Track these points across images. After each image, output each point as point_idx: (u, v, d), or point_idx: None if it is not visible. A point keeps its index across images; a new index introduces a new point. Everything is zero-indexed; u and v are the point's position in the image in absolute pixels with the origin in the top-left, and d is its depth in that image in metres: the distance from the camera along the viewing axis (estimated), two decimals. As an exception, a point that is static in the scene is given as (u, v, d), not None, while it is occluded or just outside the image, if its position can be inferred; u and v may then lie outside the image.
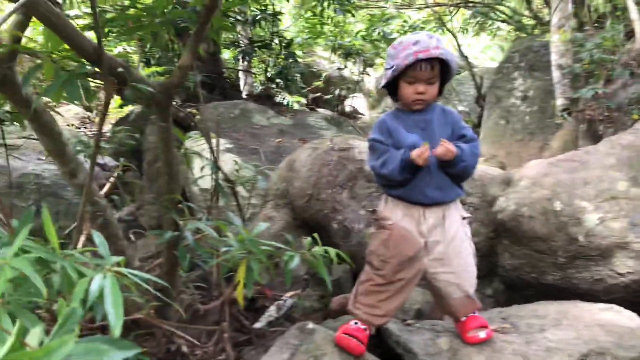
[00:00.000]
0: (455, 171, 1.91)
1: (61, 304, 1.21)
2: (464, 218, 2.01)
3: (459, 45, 6.88)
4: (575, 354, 1.82)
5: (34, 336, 0.78)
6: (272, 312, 2.72)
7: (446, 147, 1.83)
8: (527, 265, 2.51)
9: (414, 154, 1.82)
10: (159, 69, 3.98)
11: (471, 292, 1.99)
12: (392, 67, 1.91)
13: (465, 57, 6.94)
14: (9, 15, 1.07)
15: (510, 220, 2.53)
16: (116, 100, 4.73)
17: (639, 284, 2.24)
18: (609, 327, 1.96)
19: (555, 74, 4.58)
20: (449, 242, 1.93)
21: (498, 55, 9.90)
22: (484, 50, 11.35)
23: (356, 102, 6.82)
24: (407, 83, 1.92)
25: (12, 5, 1.35)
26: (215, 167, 2.53)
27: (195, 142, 3.31)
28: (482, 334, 1.94)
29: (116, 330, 1.14)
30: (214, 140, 2.70)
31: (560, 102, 4.52)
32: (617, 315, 2.06)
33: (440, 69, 1.92)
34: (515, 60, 5.67)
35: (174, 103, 4.61)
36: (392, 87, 2.00)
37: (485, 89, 6.51)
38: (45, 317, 1.68)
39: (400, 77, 1.92)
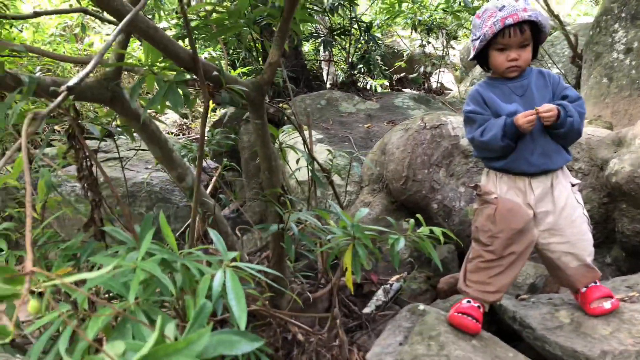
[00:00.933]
0: (562, 131, 1.80)
1: (189, 301, 1.30)
2: (573, 185, 1.90)
3: (547, 4, 6.45)
4: None
5: (170, 331, 0.84)
6: (379, 296, 2.73)
7: (547, 107, 1.75)
8: (651, 229, 2.32)
9: (520, 117, 1.75)
10: (244, 69, 4.11)
11: (589, 260, 1.88)
12: (479, 37, 1.85)
13: (555, 16, 6.48)
14: (117, 35, 1.15)
15: (626, 183, 2.35)
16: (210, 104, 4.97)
17: None
18: None
19: (663, 19, 4.15)
20: (560, 211, 1.85)
21: (592, 9, 9.16)
22: (575, 6, 10.56)
23: (443, 77, 6.63)
24: (497, 51, 1.85)
25: (115, 27, 1.46)
26: (310, 158, 2.58)
27: (288, 136, 3.40)
28: (607, 305, 1.83)
29: (241, 322, 1.19)
30: (306, 132, 2.76)
31: (671, 49, 4.09)
32: None
33: (531, 31, 1.82)
34: (615, 10, 5.21)
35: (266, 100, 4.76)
36: (482, 57, 1.94)
37: (581, 47, 6.05)
38: (171, 314, 1.82)
39: (490, 46, 1.86)
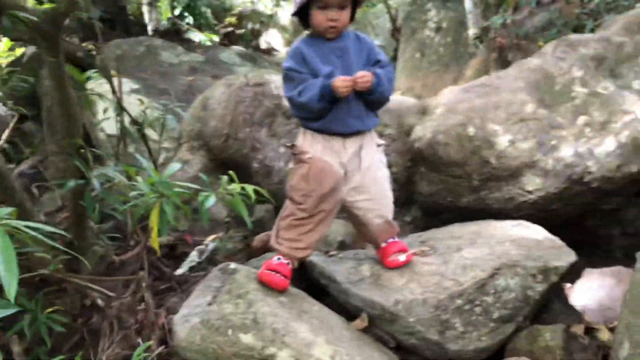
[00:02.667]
0: (373, 97, 1.90)
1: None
2: (378, 146, 2.01)
3: (373, -24, 6.75)
4: (488, 268, 1.90)
5: None
6: (193, 257, 2.65)
7: (363, 73, 1.81)
8: (444, 190, 2.58)
9: (338, 82, 1.78)
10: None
11: (390, 217, 2.02)
12: None
13: (379, -11, 6.83)
14: None
15: (426, 148, 2.56)
16: (5, 41, 4.26)
17: (545, 200, 2.36)
18: (518, 241, 2.06)
19: (468, 4, 4.61)
20: (365, 170, 1.94)
21: (412, -13, 9.84)
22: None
23: (271, 37, 6.59)
24: (318, 9, 1.87)
25: None
26: (120, 108, 2.34)
27: (97, 84, 3.05)
28: (402, 258, 1.99)
29: (11, 289, 1.04)
30: (115, 80, 2.49)
31: (472, 31, 4.58)
32: (525, 230, 2.18)
33: None
34: (429, -10, 5.65)
35: (70, 41, 4.22)
36: (303, 15, 1.92)
37: (400, 22, 6.48)
38: None
39: (311, 3, 1.85)
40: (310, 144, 1.93)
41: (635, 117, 2.27)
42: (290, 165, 2.00)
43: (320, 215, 1.91)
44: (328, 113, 1.88)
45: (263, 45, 6.45)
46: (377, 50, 1.99)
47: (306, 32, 2.02)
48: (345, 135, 1.92)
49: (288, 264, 1.90)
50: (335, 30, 1.89)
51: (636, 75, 2.55)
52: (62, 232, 1.55)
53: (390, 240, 2.03)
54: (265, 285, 1.85)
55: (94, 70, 2.38)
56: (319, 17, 1.87)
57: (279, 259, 1.91)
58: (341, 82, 1.78)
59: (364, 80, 1.80)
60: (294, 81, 1.89)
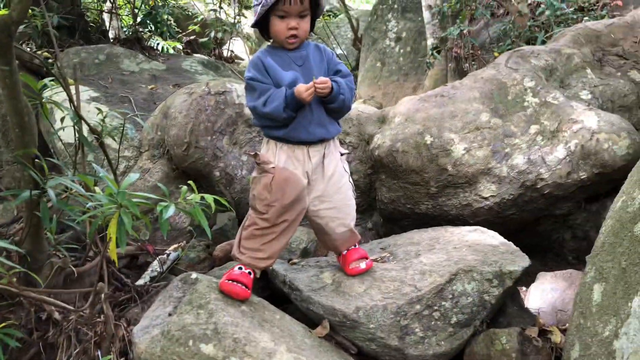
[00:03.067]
0: (335, 105, 1.92)
1: None
2: (342, 154, 2.04)
3: (335, -13, 6.84)
4: (446, 274, 1.95)
5: None
6: (155, 267, 2.61)
7: (323, 79, 1.84)
8: (403, 197, 2.63)
9: (301, 89, 1.80)
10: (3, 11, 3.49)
11: (352, 225, 2.05)
12: (260, 2, 1.85)
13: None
14: None
15: (386, 156, 2.61)
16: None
17: (500, 206, 2.44)
18: (475, 246, 2.12)
19: (426, 15, 4.72)
20: (328, 178, 1.97)
21: (373, -3, 10.01)
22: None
23: (235, 46, 6.57)
24: (278, 18, 1.88)
25: None
26: (77, 116, 2.30)
27: (54, 92, 2.98)
28: (362, 265, 2.02)
29: None
30: (73, 88, 2.45)
31: (430, 42, 4.69)
32: (482, 235, 2.24)
33: (310, 4, 1.88)
34: (389, 1, 5.77)
35: (27, 48, 4.11)
36: (263, 25, 1.94)
37: (361, 32, 6.58)
38: None
39: (271, 12, 1.87)
40: (274, 153, 1.94)
41: (583, 126, 2.38)
42: (254, 174, 2.00)
43: (282, 225, 1.92)
44: (292, 121, 1.90)
45: (226, 53, 6.43)
46: (337, 60, 2.03)
47: (267, 43, 2.04)
48: (309, 143, 1.93)
49: (250, 273, 1.91)
50: (296, 39, 1.91)
51: (584, 85, 2.68)
52: (15, 248, 1.51)
53: (352, 247, 2.06)
54: (227, 295, 1.85)
55: (50, 79, 2.32)
56: (279, 26, 1.88)
57: (240, 268, 1.91)
58: (304, 89, 1.81)
59: (323, 85, 1.83)
60: (257, 91, 1.89)
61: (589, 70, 2.74)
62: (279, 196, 1.89)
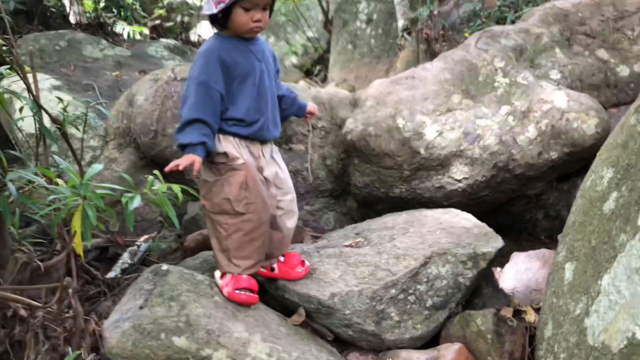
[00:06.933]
0: (292, 115, 2.13)
1: None
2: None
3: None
4: (421, 257, 1.95)
5: None
6: (125, 259, 2.56)
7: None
8: (377, 181, 2.61)
9: (186, 160, 1.72)
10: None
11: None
12: None
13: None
14: None
15: (358, 140, 2.59)
16: None
17: (473, 188, 2.45)
18: (449, 229, 2.13)
19: (396, -5, 4.69)
20: (283, 172, 1.99)
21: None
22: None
23: (202, 30, 6.42)
24: (243, 9, 1.76)
25: None
26: (36, 106, 2.20)
27: (12, 81, 2.86)
28: (300, 270, 1.98)
29: None
30: (31, 76, 2.34)
31: (401, 23, 4.67)
32: (456, 217, 2.25)
33: None
34: (359, -18, 5.70)
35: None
36: (222, 16, 1.80)
37: (332, 14, 6.50)
38: None
39: (237, 3, 1.75)
40: (237, 149, 1.84)
41: (553, 106, 2.39)
42: (208, 178, 1.85)
43: (267, 221, 1.87)
44: (258, 121, 1.87)
45: (193, 37, 6.29)
46: (276, 57, 2.04)
47: (216, 32, 1.91)
48: (264, 141, 1.93)
49: (252, 275, 1.88)
50: (259, 30, 1.83)
51: (553, 65, 2.69)
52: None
53: (290, 250, 2.04)
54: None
55: (5, 67, 2.22)
56: (243, 18, 1.77)
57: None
58: (189, 164, 1.72)
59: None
60: (198, 98, 1.76)
61: (557, 50, 2.75)
62: (258, 191, 1.82)
